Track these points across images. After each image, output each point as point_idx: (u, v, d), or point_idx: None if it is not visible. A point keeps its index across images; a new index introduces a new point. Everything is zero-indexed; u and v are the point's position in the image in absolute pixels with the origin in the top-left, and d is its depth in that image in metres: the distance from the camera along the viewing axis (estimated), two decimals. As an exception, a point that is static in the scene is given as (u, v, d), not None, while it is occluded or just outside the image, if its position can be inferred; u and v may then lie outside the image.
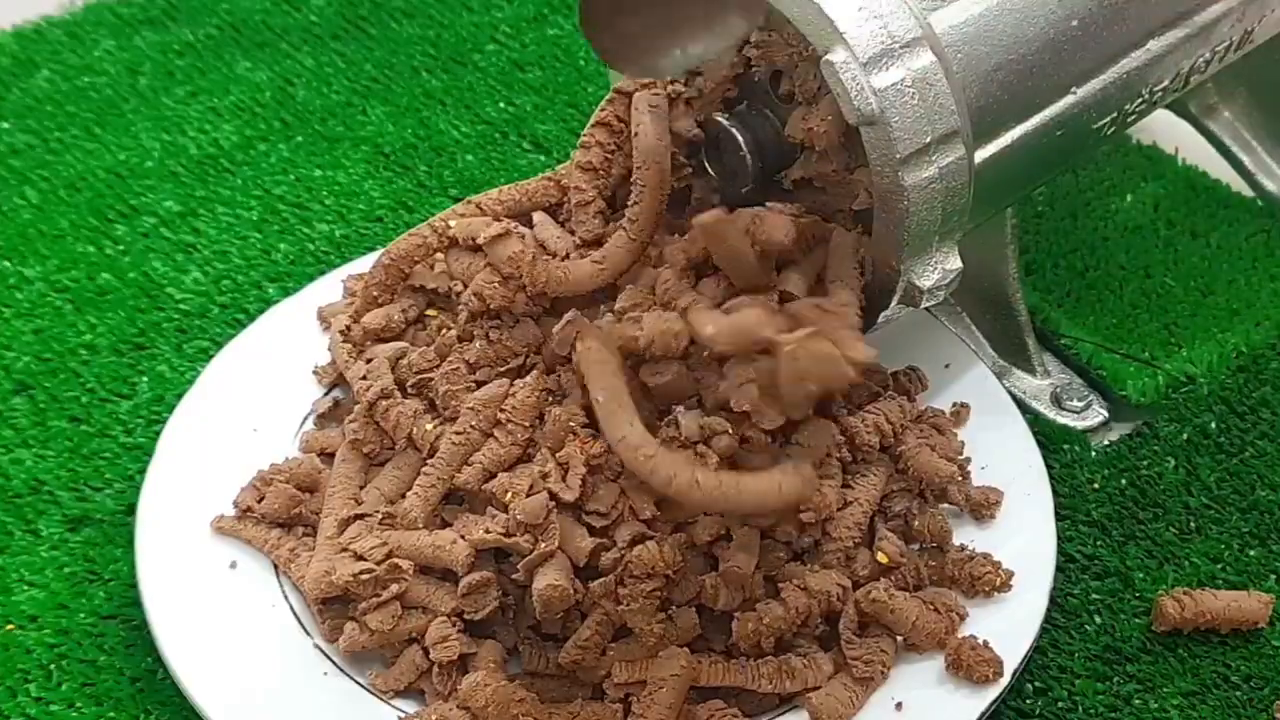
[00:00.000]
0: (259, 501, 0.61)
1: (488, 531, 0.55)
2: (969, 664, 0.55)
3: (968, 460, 0.63)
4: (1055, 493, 0.62)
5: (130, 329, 0.74)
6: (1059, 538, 0.61)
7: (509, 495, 0.56)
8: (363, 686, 0.56)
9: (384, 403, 0.60)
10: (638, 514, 0.55)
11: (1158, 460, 0.67)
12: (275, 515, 0.60)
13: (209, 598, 0.58)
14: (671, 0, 0.52)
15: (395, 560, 0.56)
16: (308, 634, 0.58)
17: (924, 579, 0.58)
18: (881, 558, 0.57)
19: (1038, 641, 0.58)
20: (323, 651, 0.57)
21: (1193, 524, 0.65)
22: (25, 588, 0.62)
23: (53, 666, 0.59)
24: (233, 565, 0.60)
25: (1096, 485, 0.66)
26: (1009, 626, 0.57)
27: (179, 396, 0.66)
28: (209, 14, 0.97)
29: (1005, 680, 0.55)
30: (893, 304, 0.60)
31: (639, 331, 0.53)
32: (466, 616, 0.55)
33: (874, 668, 0.55)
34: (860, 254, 0.58)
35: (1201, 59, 0.65)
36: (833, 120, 0.56)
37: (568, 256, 0.60)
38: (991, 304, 0.70)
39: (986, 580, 0.58)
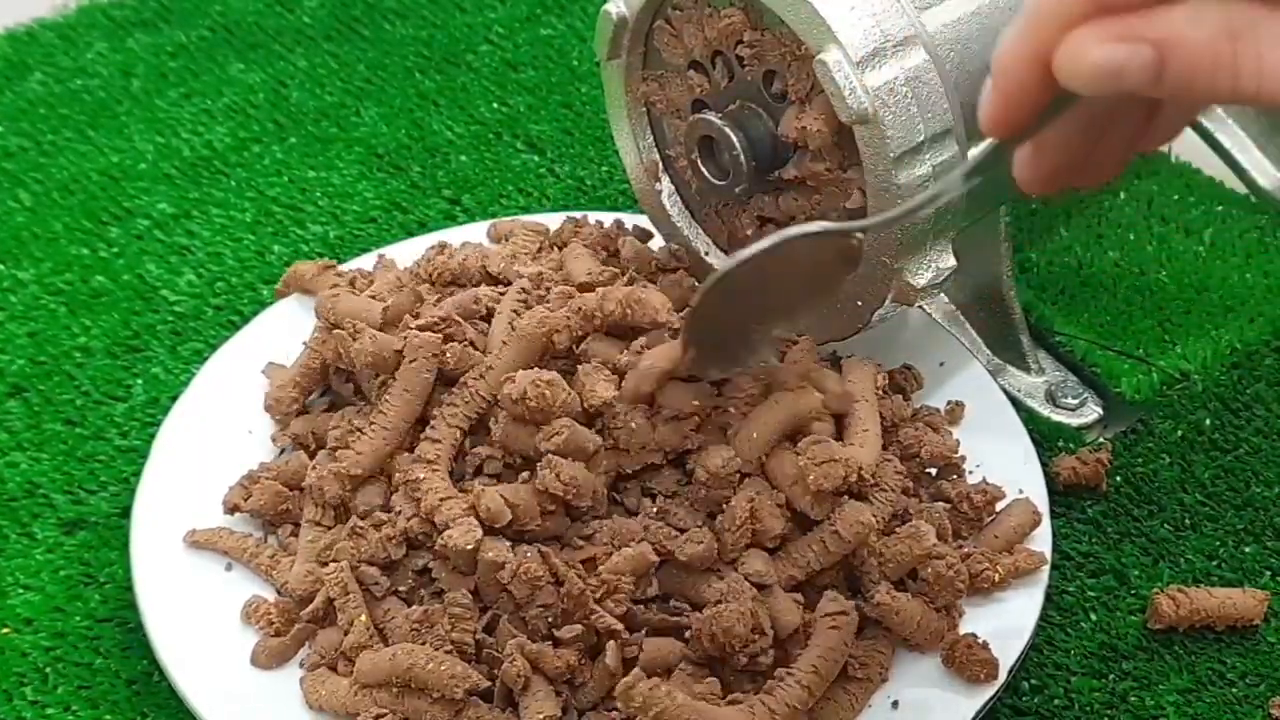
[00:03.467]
0: (246, 500, 0.61)
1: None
2: (964, 663, 0.55)
3: (963, 459, 0.63)
4: (1050, 490, 0.63)
5: (124, 331, 0.74)
6: (1054, 535, 0.61)
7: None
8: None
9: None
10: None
11: (1153, 457, 0.67)
12: (262, 512, 0.60)
13: (204, 600, 0.58)
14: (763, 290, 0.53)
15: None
16: (304, 636, 0.58)
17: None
18: None
19: (1034, 639, 0.58)
20: (319, 653, 0.57)
21: (1188, 521, 0.65)
22: (21, 591, 0.62)
23: (48, 670, 0.59)
24: (228, 567, 0.60)
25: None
26: (1005, 624, 0.57)
27: (173, 399, 0.66)
28: (202, 16, 0.97)
29: (1001, 678, 0.55)
30: (886, 302, 0.60)
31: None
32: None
33: (872, 670, 0.55)
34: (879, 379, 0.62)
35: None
36: (826, 119, 0.56)
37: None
38: (986, 302, 0.70)
39: (983, 578, 0.58)
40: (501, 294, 0.62)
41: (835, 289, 0.58)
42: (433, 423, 0.58)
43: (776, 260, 0.48)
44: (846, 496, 0.56)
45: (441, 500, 0.55)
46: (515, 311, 0.60)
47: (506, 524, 0.55)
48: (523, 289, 0.62)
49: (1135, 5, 0.35)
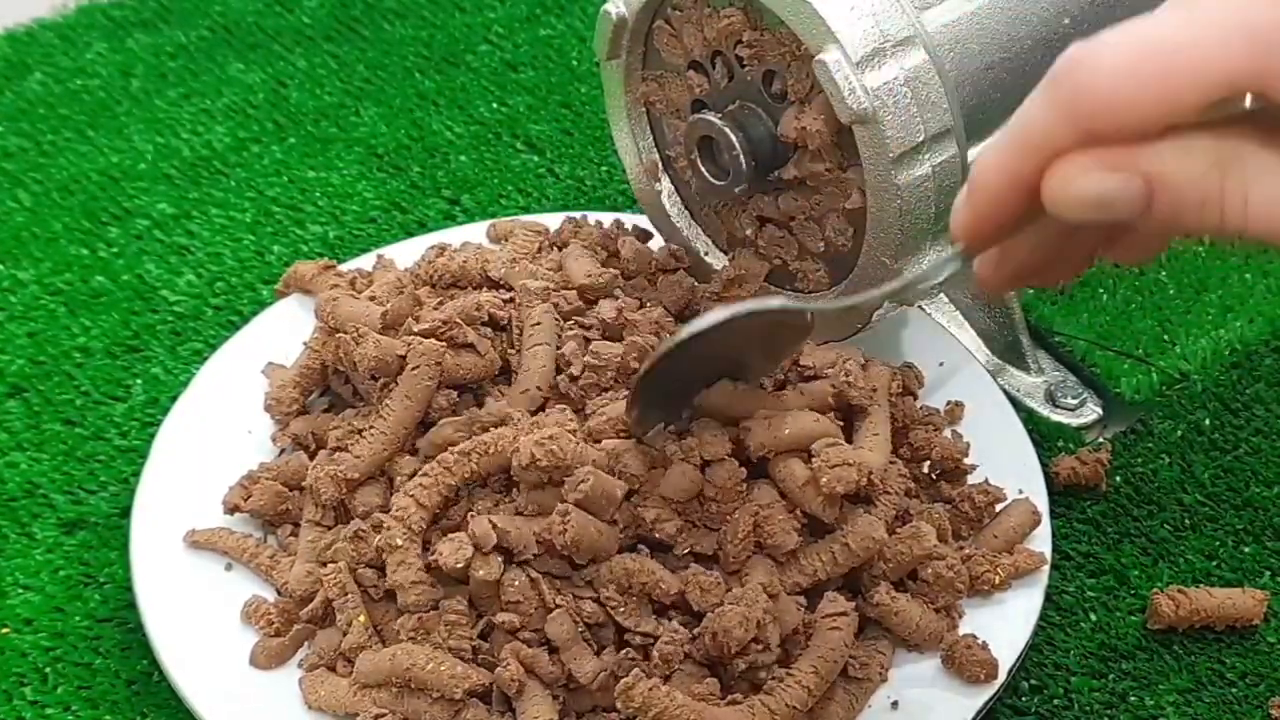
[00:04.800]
0: (246, 500, 0.61)
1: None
2: (964, 663, 0.55)
3: (972, 464, 0.63)
4: (1050, 490, 0.63)
5: (124, 331, 0.74)
6: (1054, 535, 0.61)
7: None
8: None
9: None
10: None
11: (1152, 457, 0.67)
12: (262, 512, 0.60)
13: (204, 600, 0.58)
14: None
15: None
16: (303, 636, 0.58)
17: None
18: None
19: (1033, 639, 0.58)
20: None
21: (1187, 521, 0.65)
22: (20, 591, 0.62)
23: (48, 670, 0.59)
24: (228, 567, 0.60)
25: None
26: (1005, 624, 0.57)
27: (173, 399, 0.66)
28: (201, 16, 0.97)
29: (1001, 678, 0.55)
30: (887, 302, 0.60)
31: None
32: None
33: (871, 670, 0.55)
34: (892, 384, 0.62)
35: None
36: (825, 119, 0.56)
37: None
38: (985, 302, 0.70)
39: (984, 580, 0.58)
40: (505, 300, 0.62)
41: (783, 358, 0.58)
42: (424, 475, 0.57)
43: (728, 330, 0.49)
44: (855, 500, 0.56)
45: (400, 561, 0.55)
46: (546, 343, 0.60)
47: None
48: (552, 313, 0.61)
49: (1125, 137, 0.34)
